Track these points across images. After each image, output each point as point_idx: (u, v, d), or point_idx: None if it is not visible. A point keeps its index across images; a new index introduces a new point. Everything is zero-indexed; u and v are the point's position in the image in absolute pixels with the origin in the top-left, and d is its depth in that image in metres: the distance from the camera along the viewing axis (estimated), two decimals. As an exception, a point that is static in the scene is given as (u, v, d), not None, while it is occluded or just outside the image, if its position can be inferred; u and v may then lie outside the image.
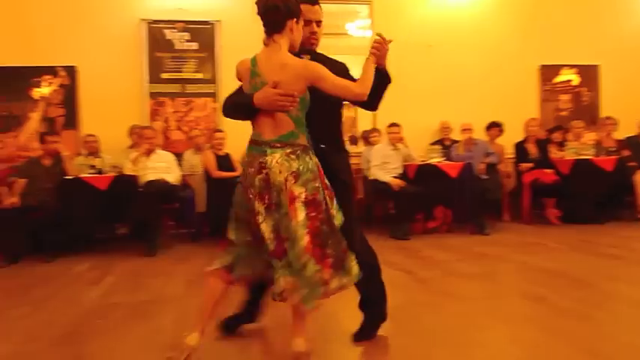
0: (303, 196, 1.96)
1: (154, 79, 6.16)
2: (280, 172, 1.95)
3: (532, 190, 5.90)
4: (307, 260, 1.94)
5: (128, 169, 5.10)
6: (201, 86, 6.24)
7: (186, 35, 6.23)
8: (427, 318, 2.73)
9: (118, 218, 5.14)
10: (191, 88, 6.25)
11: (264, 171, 1.96)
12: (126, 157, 5.39)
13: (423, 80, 6.51)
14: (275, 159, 1.96)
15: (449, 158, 5.75)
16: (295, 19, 2.02)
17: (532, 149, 6.10)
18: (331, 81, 2.00)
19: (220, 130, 5.51)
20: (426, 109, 6.45)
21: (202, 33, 6.25)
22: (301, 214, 1.94)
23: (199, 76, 6.25)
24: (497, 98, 6.59)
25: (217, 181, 5.14)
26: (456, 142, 6.18)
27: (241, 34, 6.36)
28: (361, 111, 7.91)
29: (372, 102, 2.17)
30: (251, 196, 1.98)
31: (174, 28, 6.21)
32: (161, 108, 6.20)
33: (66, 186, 4.83)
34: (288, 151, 1.98)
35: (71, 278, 3.97)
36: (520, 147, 6.16)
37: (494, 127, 6.21)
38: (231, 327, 2.50)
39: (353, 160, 6.21)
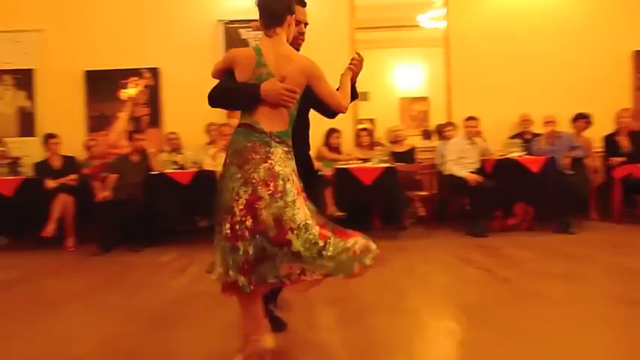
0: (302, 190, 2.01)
1: (231, 77, 6.38)
2: (285, 166, 1.97)
3: (623, 186, 5.48)
4: (326, 243, 1.92)
5: (208, 165, 5.33)
6: (276, 83, 6.38)
7: (261, 34, 6.37)
8: (510, 318, 2.63)
9: (199, 211, 5.39)
10: (265, 86, 6.39)
11: (270, 161, 1.94)
12: (205, 153, 5.64)
13: (501, 71, 6.25)
14: (279, 154, 1.97)
15: (530, 152, 5.48)
16: (293, 16, 2.08)
17: (624, 142, 5.67)
18: (326, 84, 2.07)
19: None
20: (504, 102, 6.17)
21: (276, 31, 6.38)
22: (307, 206, 1.98)
23: (274, 73, 6.39)
24: (585, 88, 6.16)
25: (292, 176, 5.25)
26: (537, 135, 5.86)
27: (315, 30, 6.42)
28: (434, 104, 7.81)
29: (335, 112, 2.29)
30: (254, 181, 1.92)
31: (249, 27, 6.39)
32: (237, 105, 6.41)
33: (151, 181, 5.14)
34: (286, 149, 2.01)
35: (158, 267, 4.23)
36: (610, 140, 5.75)
37: (581, 118, 5.82)
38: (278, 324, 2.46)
39: (426, 155, 6.22)
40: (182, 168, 5.29)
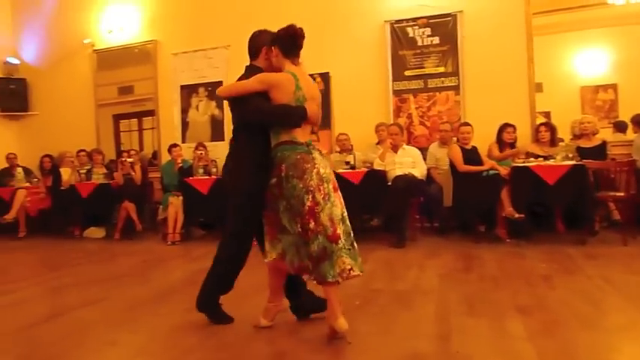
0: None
1: (397, 77, 6.38)
2: (325, 166, 2.42)
3: None
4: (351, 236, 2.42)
5: (377, 165, 5.40)
6: (444, 80, 6.21)
7: (428, 31, 6.27)
8: None
9: (370, 210, 5.47)
10: (433, 83, 6.26)
11: (317, 165, 2.37)
12: (373, 153, 5.72)
13: None
14: (318, 157, 2.42)
15: None
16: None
17: None
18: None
19: (467, 124, 5.37)
20: None
21: (443, 26, 6.20)
22: (341, 200, 2.43)
23: (441, 70, 6.22)
24: None
25: (464, 174, 5.04)
26: None
27: (483, 24, 6.10)
28: (624, 92, 6.81)
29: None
30: (312, 188, 2.32)
31: (416, 25, 6.31)
32: (404, 105, 6.39)
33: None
34: (319, 151, 2.47)
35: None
36: None
37: None
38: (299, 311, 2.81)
39: (620, 150, 5.43)
40: (353, 168, 5.43)
